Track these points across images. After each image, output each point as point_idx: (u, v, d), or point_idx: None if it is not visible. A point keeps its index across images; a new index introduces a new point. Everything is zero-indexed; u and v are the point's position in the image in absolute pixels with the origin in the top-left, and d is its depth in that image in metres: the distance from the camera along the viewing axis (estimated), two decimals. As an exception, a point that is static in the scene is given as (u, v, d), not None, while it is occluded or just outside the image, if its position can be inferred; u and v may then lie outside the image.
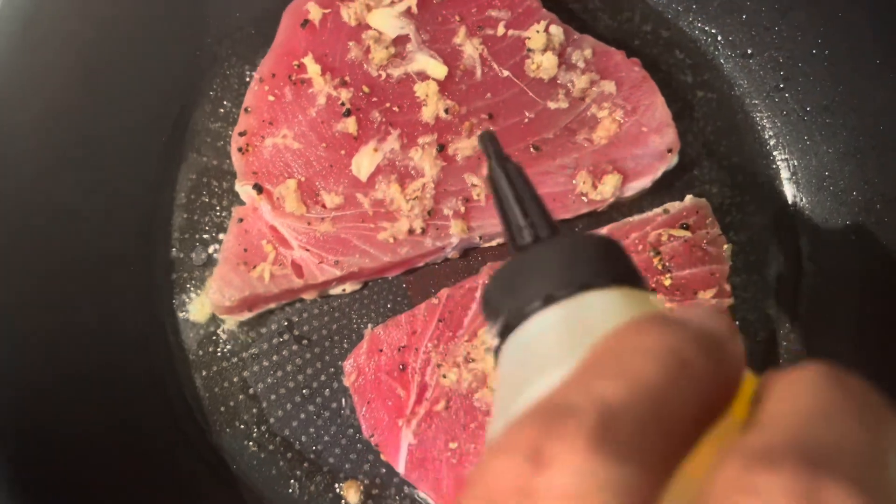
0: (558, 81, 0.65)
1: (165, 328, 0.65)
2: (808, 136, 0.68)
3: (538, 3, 0.67)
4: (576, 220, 0.65)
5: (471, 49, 0.65)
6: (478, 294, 0.61)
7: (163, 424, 0.62)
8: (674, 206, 0.63)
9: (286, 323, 0.65)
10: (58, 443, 0.54)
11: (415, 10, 0.65)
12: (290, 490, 0.62)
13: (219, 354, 0.65)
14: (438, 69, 0.64)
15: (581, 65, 0.65)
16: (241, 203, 0.65)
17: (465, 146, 0.64)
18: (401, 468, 0.59)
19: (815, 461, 0.16)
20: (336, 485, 0.62)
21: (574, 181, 0.64)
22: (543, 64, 0.64)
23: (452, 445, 0.59)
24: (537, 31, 0.65)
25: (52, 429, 0.55)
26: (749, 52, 0.70)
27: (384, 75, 0.65)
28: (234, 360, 0.65)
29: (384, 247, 0.62)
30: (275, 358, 0.64)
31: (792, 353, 0.66)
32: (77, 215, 0.61)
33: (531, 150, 0.64)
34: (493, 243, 0.66)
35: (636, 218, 0.63)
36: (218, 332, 0.65)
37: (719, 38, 0.71)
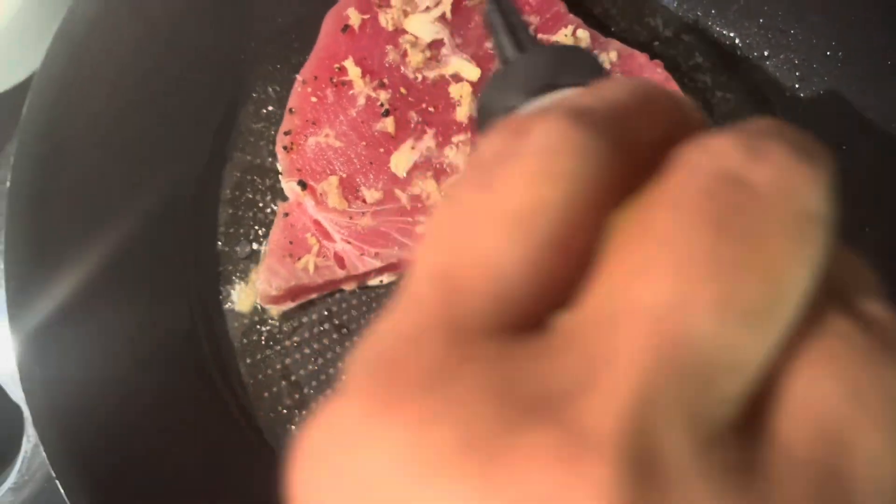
0: (585, 82, 0.68)
1: (212, 318, 0.68)
2: (823, 136, 0.71)
3: (565, 8, 0.70)
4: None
5: (502, 52, 0.69)
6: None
7: (211, 409, 0.65)
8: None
9: (326, 313, 0.68)
10: (117, 435, 0.57)
11: (449, 15, 0.69)
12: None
13: (262, 343, 0.68)
14: (472, 71, 0.68)
15: (607, 66, 0.69)
16: (283, 199, 0.69)
17: (497, 144, 0.67)
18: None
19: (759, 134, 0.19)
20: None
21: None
22: (571, 66, 0.68)
23: None
24: (566, 35, 0.68)
25: (112, 420, 0.57)
26: (766, 54, 0.73)
27: (420, 77, 0.68)
28: (277, 348, 0.68)
29: (421, 239, 0.65)
30: (315, 346, 0.68)
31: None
32: (129, 212, 0.65)
33: (560, 147, 0.67)
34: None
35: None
36: (261, 322, 0.68)
37: (737, 41, 0.75)
